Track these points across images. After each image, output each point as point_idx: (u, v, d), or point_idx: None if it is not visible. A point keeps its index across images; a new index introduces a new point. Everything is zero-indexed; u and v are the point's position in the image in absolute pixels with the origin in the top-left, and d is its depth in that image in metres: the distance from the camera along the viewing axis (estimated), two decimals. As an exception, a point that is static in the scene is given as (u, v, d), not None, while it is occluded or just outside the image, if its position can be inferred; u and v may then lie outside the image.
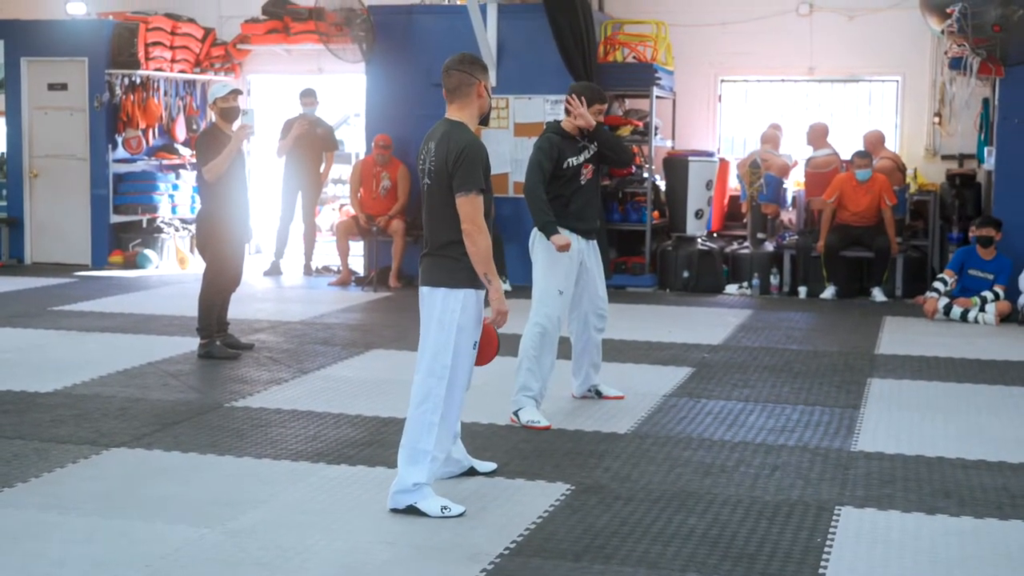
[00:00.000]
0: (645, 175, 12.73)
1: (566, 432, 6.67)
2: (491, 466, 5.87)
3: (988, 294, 10.73)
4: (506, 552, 4.77)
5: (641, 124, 12.70)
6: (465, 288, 5.25)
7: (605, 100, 7.14)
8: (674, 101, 13.68)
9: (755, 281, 12.37)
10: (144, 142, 14.07)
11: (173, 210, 14.35)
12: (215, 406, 7.22)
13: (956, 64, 11.28)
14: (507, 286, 11.57)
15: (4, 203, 14.13)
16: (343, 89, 15.08)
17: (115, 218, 13.97)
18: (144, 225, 14.13)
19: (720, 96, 14.17)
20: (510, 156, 12.65)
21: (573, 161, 6.98)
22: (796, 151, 13.24)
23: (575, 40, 12.20)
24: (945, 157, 13.42)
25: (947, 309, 10.79)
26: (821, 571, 4.62)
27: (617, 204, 12.93)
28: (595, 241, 7.19)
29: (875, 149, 12.49)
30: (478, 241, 5.18)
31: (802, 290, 12.26)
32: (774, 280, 12.40)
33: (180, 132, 14.50)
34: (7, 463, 5.92)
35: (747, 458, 6.20)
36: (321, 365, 8.48)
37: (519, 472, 5.86)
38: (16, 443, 6.30)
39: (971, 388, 8.03)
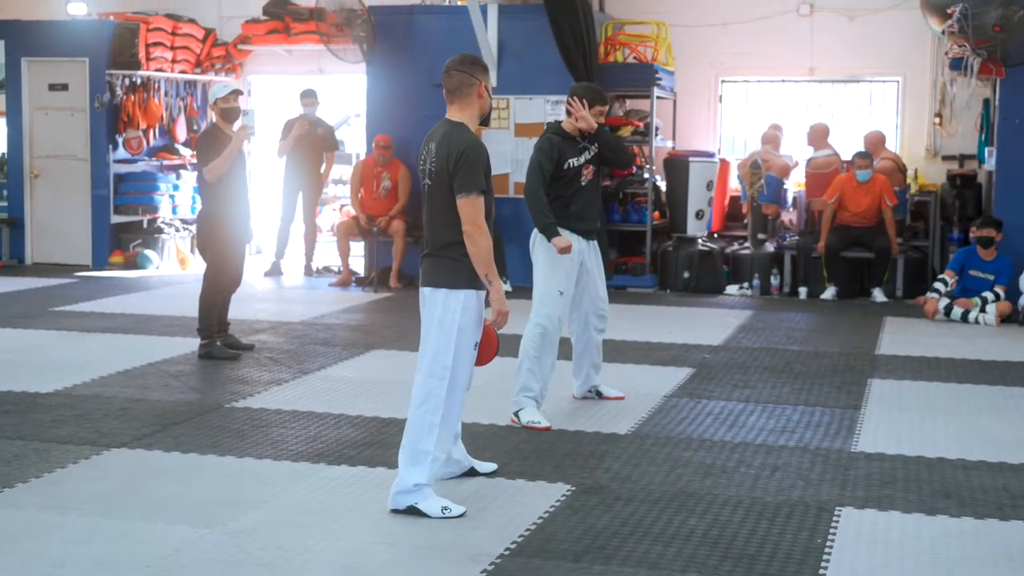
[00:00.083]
0: (646, 176, 12.73)
1: (567, 433, 6.67)
2: (492, 467, 5.87)
3: (989, 295, 10.73)
4: (507, 553, 4.77)
5: (642, 125, 12.70)
6: (466, 289, 5.25)
7: (606, 101, 7.14)
8: (675, 101, 13.68)
9: (755, 282, 12.37)
10: (145, 142, 14.08)
11: (174, 210, 14.35)
12: (216, 407, 7.22)
13: (957, 65, 11.28)
14: (507, 287, 11.58)
15: (5, 203, 14.14)
16: (344, 89, 15.08)
17: (116, 218, 13.97)
18: (145, 225, 14.14)
19: (721, 96, 14.17)
20: (511, 156, 12.65)
21: (574, 162, 6.97)
22: (797, 152, 13.25)
23: (576, 40, 12.20)
24: (946, 158, 13.42)
25: (948, 310, 10.79)
26: (821, 572, 4.62)
27: (618, 205, 12.93)
28: (595, 242, 7.19)
29: (876, 150, 12.49)
30: (479, 242, 5.18)
31: (803, 291, 12.26)
32: (775, 281, 12.40)
33: (181, 132, 14.51)
34: (7, 463, 5.92)
35: (747, 459, 6.20)
36: (322, 366, 8.48)
37: (520, 473, 5.87)
38: (17, 443, 6.30)
39: (972, 389, 8.03)
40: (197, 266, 11.53)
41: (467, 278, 5.25)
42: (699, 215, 12.68)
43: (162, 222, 14.19)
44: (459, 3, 13.03)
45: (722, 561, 4.71)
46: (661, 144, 13.17)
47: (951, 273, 10.99)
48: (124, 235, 14.02)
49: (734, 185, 13.48)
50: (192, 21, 14.61)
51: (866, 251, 12.04)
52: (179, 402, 7.32)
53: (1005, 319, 10.64)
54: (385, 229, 12.63)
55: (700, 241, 12.83)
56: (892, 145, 13.19)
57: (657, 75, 12.64)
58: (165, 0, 14.80)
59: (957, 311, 10.73)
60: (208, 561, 4.66)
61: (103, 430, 6.59)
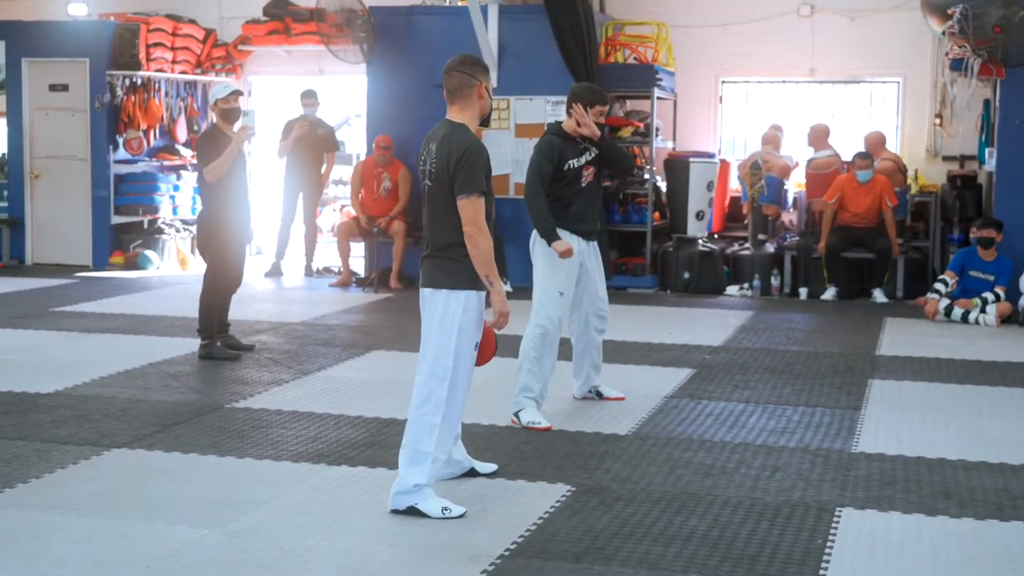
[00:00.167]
0: (646, 176, 12.74)
1: (567, 433, 6.67)
2: (492, 467, 5.87)
3: (989, 295, 10.73)
4: (507, 553, 4.77)
5: (642, 125, 12.70)
6: (466, 290, 5.25)
7: (606, 101, 7.13)
8: (675, 102, 13.68)
9: (756, 282, 12.37)
10: (145, 143, 14.08)
11: (174, 211, 14.35)
12: (216, 407, 7.22)
13: (957, 65, 11.28)
14: (508, 287, 11.58)
15: (5, 204, 14.15)
16: (344, 90, 15.09)
17: (116, 219, 13.98)
18: (145, 226, 14.14)
19: (721, 97, 14.17)
20: (511, 157, 12.65)
21: (574, 163, 6.97)
22: (797, 152, 13.25)
23: (576, 41, 12.20)
24: (946, 158, 13.43)
25: (948, 310, 10.79)
26: (822, 572, 4.62)
27: (618, 205, 12.93)
28: (595, 242, 7.19)
29: (876, 150, 12.49)
30: (479, 243, 5.18)
31: (803, 291, 12.26)
32: (775, 281, 12.40)
33: (181, 133, 14.51)
34: (8, 464, 5.92)
35: (748, 459, 6.20)
36: (322, 366, 8.48)
37: (520, 473, 5.86)
38: (17, 444, 6.30)
39: (972, 389, 8.03)
40: (197, 267, 11.53)
41: (468, 279, 5.25)
42: (699, 216, 12.68)
43: (162, 223, 14.19)
44: (459, 3, 13.03)
45: (722, 562, 4.71)
46: (661, 145, 13.17)
47: (951, 274, 10.99)
48: (124, 236, 14.02)
49: (734, 186, 13.48)
50: (192, 22, 14.61)
51: (866, 252, 12.04)
52: (179, 402, 7.32)
53: (1005, 320, 10.63)
54: (385, 230, 12.63)
55: (700, 242, 12.83)
56: (892, 146, 13.19)
57: (657, 76, 12.64)
58: (165, 1, 14.80)
59: (957, 312, 10.73)
60: (208, 561, 4.66)
61: (103, 430, 6.59)
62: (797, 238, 12.57)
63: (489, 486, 5.65)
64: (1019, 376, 8.46)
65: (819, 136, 12.74)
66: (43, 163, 14.04)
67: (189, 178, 14.29)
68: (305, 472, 5.86)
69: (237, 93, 8.79)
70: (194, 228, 11.07)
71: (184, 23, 14.45)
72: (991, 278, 10.83)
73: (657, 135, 12.83)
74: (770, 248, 12.68)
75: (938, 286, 11.00)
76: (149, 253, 13.80)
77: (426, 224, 5.41)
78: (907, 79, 13.54)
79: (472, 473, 5.77)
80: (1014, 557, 4.85)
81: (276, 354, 8.90)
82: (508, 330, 5.66)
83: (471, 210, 5.18)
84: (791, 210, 13.11)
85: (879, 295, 11.94)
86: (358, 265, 13.23)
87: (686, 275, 12.62)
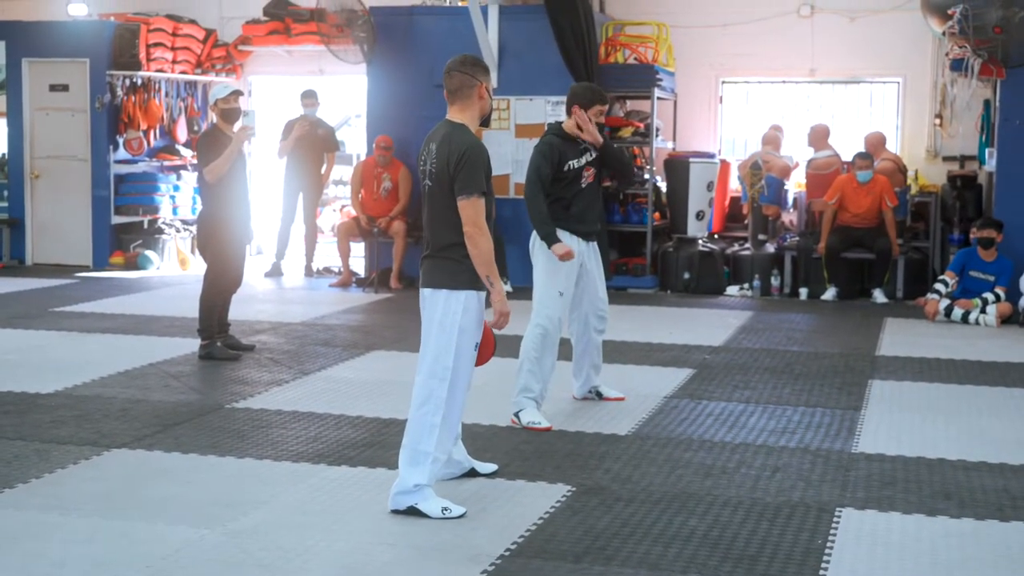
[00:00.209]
0: (646, 176, 12.74)
1: (567, 433, 6.67)
2: (492, 467, 5.87)
3: (989, 296, 10.73)
4: (507, 553, 4.77)
5: (642, 125, 12.70)
6: (467, 290, 5.25)
7: (606, 101, 7.13)
8: (675, 102, 13.68)
9: (756, 282, 12.37)
10: (145, 143, 14.08)
11: (174, 211, 14.35)
12: (216, 407, 7.22)
13: (957, 66, 11.28)
14: (508, 287, 11.58)
15: (5, 204, 14.15)
16: (344, 90, 15.09)
17: (116, 219, 13.98)
18: (145, 226, 14.14)
19: (721, 97, 14.17)
20: (511, 157, 12.65)
21: (574, 164, 6.97)
22: (797, 152, 13.25)
23: (576, 41, 12.20)
24: (946, 158, 13.42)
25: (948, 311, 10.79)
26: (822, 573, 4.62)
27: (618, 205, 12.93)
28: (595, 243, 7.19)
29: (876, 150, 12.49)
30: (480, 243, 5.18)
31: (803, 291, 12.26)
32: (775, 281, 12.40)
33: (181, 133, 14.51)
34: (8, 464, 5.92)
35: (748, 459, 6.20)
36: (322, 366, 8.48)
37: (520, 473, 5.87)
38: (17, 444, 6.30)
39: (972, 390, 8.03)
40: (197, 267, 11.54)
41: (468, 279, 5.25)
42: (699, 216, 12.68)
43: (163, 223, 14.19)
44: (460, 4, 13.03)
45: (722, 562, 4.71)
46: (662, 145, 13.17)
47: (951, 274, 10.99)
48: (124, 236, 14.02)
49: (734, 186, 13.48)
50: (193, 22, 14.61)
51: (867, 252, 12.04)
52: (179, 403, 7.32)
53: (1005, 320, 10.63)
54: (385, 230, 12.63)
55: (700, 242, 12.83)
56: (892, 146, 13.19)
57: (658, 76, 12.64)
58: (165, 1, 14.80)
59: (957, 312, 10.73)
60: (208, 561, 4.66)
61: (103, 430, 6.59)
62: (797, 238, 12.57)
63: (489, 486, 5.65)
64: (1019, 376, 8.46)
65: (819, 136, 12.74)
66: (43, 163, 14.04)
67: (189, 178, 14.29)
68: (305, 472, 5.86)
69: (237, 93, 8.79)
70: (194, 228, 11.07)
71: (184, 23, 14.45)
72: (991, 278, 10.83)
73: (657, 135, 12.83)
74: (770, 248, 12.68)
75: (938, 286, 11.00)
76: (149, 253, 13.80)
77: (426, 224, 5.41)
78: (907, 79, 13.54)
79: (472, 473, 5.77)
80: (1014, 557, 4.85)
81: (276, 354, 8.90)
82: (508, 330, 5.66)
83: (471, 210, 5.18)
84: (791, 210, 13.11)
85: (879, 295, 11.94)
86: (358, 265, 13.23)
87: (686, 275, 12.62)
